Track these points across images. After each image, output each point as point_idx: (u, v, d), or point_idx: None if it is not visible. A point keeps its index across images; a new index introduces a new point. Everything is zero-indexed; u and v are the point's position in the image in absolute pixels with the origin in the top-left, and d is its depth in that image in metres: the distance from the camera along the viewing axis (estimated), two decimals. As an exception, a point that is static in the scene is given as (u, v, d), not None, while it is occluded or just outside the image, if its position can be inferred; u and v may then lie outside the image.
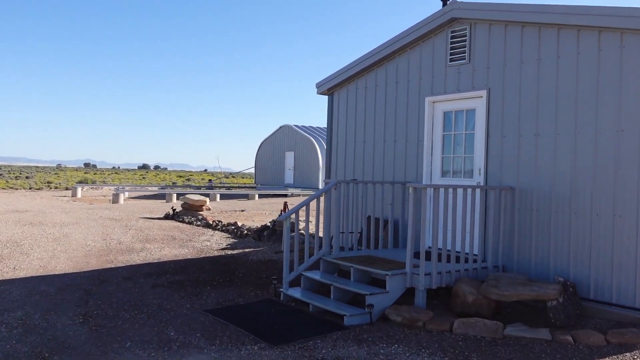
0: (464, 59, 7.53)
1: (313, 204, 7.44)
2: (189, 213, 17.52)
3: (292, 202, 26.68)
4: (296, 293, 6.74)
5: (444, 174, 7.94)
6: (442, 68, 7.85)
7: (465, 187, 6.59)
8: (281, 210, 10.20)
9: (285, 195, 31.44)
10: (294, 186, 34.73)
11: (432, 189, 6.57)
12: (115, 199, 25.10)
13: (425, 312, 5.82)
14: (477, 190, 7.02)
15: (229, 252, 10.28)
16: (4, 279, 7.84)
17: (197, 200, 17.69)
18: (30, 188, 37.01)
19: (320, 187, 33.03)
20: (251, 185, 39.72)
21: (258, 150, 39.82)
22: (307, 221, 7.14)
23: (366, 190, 8.11)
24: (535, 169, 6.69)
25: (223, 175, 52.94)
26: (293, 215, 7.19)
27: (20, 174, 59.56)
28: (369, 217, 8.25)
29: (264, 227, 11.59)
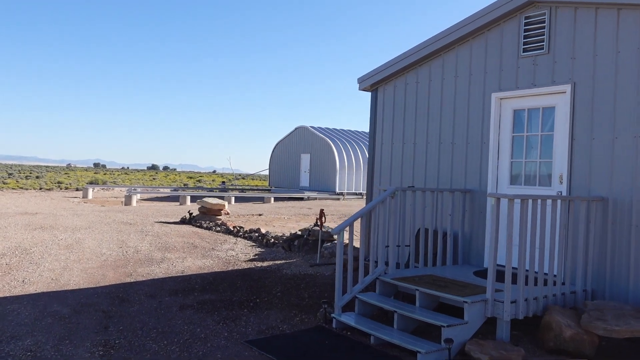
0: (542, 48, 6.51)
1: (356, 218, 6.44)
2: (207, 217, 16.60)
3: (310, 206, 25.72)
4: (350, 319, 5.75)
5: (513, 180, 6.93)
6: (513, 60, 6.84)
7: (554, 199, 5.58)
8: (316, 219, 9.21)
9: (301, 199, 30.48)
10: (310, 189, 33.78)
11: (518, 199, 5.58)
12: (127, 201, 24.24)
13: (516, 350, 4.81)
14: (559, 202, 5.99)
15: (259, 264, 9.31)
16: (12, 295, 6.91)
17: (215, 204, 16.75)
18: (40, 188, 36.26)
19: (338, 190, 32.05)
20: (265, 188, 38.84)
21: (272, 152, 38.90)
22: (364, 235, 6.17)
23: (421, 198, 7.10)
24: (634, 177, 5.66)
25: (234, 177, 52.02)
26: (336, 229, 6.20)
27: (30, 173, 59.00)
28: (418, 230, 7.27)
29: (295, 235, 10.61)
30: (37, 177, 49.45)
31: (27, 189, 34.92)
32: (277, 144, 38.46)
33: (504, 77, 6.93)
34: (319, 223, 9.31)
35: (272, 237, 11.70)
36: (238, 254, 10.26)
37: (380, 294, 6.18)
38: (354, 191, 33.14)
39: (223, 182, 38.90)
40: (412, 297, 5.79)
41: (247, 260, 9.62)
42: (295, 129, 36.58)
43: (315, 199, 30.81)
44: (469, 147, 7.33)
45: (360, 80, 8.79)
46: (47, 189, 36.08)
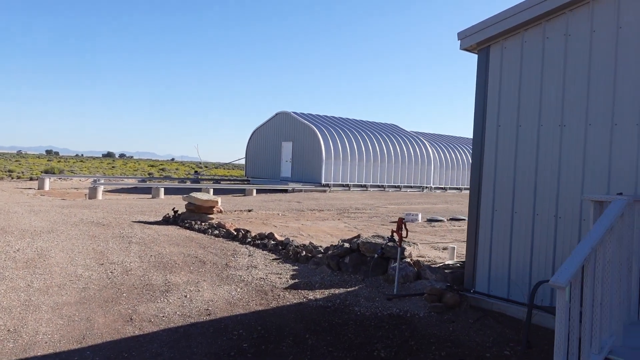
0: None
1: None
2: (196, 216, 13.69)
3: (298, 200, 22.79)
4: None
5: None
6: None
7: None
8: (392, 232, 6.58)
9: (285, 191, 27.71)
10: (292, 180, 30.99)
11: None
12: (92, 193, 21.00)
13: None
14: None
15: (309, 294, 6.59)
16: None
17: (206, 201, 13.83)
18: (-13, 177, 32.31)
19: (324, 181, 29.38)
20: (242, 179, 35.76)
21: (249, 139, 35.87)
22: (599, 276, 3.53)
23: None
24: None
25: (200, 166, 48.62)
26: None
27: (-24, 160, 54.06)
28: None
29: (340, 248, 7.87)
30: (-16, 165, 44.97)
31: (-28, 178, 30.97)
32: (254, 131, 35.43)
33: None
34: (395, 237, 6.64)
35: (301, 248, 8.96)
36: (269, 276, 7.51)
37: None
38: (340, 182, 30.54)
39: (196, 171, 35.58)
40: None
41: (289, 288, 6.88)
42: (276, 114, 33.63)
43: (301, 190, 28.07)
44: (668, 130, 4.79)
45: (463, 36, 6.15)
46: (-5, 178, 32.18)
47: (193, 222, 13.05)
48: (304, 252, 8.60)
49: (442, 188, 35.89)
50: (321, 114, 34.22)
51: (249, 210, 18.30)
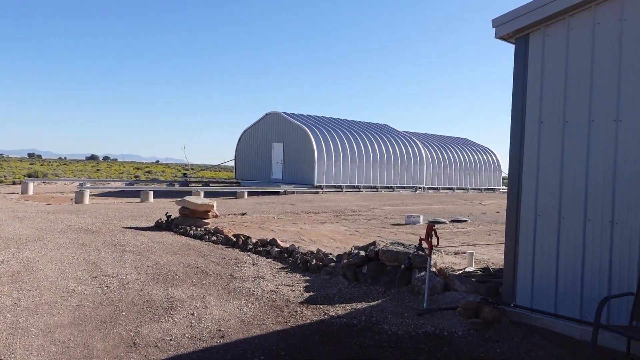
0: None
1: None
2: (190, 221, 12.99)
3: (292, 202, 22.05)
4: None
5: None
6: None
7: None
8: (420, 239, 5.96)
9: (277, 193, 27.04)
10: (284, 182, 30.31)
11: None
12: (79, 198, 20.16)
13: None
14: None
15: (329, 310, 5.96)
16: None
17: (201, 205, 13.13)
18: (-32, 182, 31.23)
19: (316, 183, 28.79)
20: (231, 181, 34.98)
21: (239, 140, 35.11)
22: None
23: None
24: None
25: (187, 169, 47.74)
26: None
27: (-44, 164, 52.65)
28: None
29: (357, 257, 7.22)
30: (-36, 169, 43.68)
31: (-48, 183, 29.90)
32: (244, 132, 34.68)
33: None
34: (424, 245, 6.03)
35: (311, 256, 8.33)
36: (280, 288, 6.86)
37: None
38: (333, 184, 29.93)
39: (185, 174, 34.70)
40: None
41: (305, 302, 6.24)
42: (266, 115, 32.92)
43: (293, 192, 27.42)
44: None
45: (499, 23, 5.57)
46: (-24, 183, 31.10)
47: (188, 228, 12.36)
48: (315, 261, 7.97)
49: (434, 188, 35.44)
50: (312, 114, 33.60)
51: (243, 214, 17.64)
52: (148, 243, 10.29)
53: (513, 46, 5.63)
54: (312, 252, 8.67)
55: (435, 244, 5.81)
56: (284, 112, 31.67)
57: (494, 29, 5.60)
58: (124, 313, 5.71)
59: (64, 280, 7.05)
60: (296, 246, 9.26)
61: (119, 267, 7.95)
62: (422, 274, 6.33)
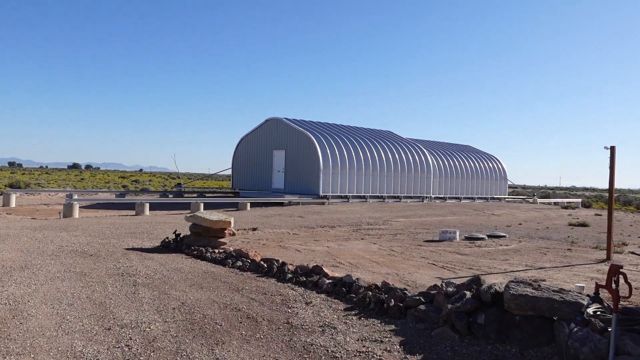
0: None
1: None
2: (204, 240, 11.07)
3: (301, 214, 19.74)
4: None
5: None
6: None
7: None
8: (598, 286, 4.12)
9: (282, 204, 25.15)
10: (286, 192, 28.40)
11: None
12: (67, 211, 18.11)
13: None
14: None
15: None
16: None
17: (217, 222, 11.18)
18: (-57, 193, 28.85)
19: (322, 193, 26.96)
20: (228, 191, 32.94)
21: (236, 148, 33.12)
22: None
23: None
24: None
25: (174, 177, 45.56)
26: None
27: None
28: None
29: (467, 302, 5.33)
30: (-60, 178, 41.11)
31: None
32: (242, 139, 32.71)
33: None
34: (603, 293, 4.20)
35: (380, 293, 6.47)
36: (369, 348, 4.96)
37: None
38: (339, 194, 28.10)
39: (179, 183, 32.58)
40: None
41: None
42: (266, 120, 31.01)
43: (298, 203, 25.55)
44: None
45: None
46: (-47, 194, 28.75)
47: (204, 250, 10.43)
48: (393, 301, 6.11)
49: (441, 198, 33.77)
50: (314, 120, 31.78)
51: (254, 229, 15.76)
52: (162, 271, 8.38)
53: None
54: (377, 286, 6.83)
55: (628, 296, 4.00)
56: (285, 118, 29.82)
57: None
58: (163, 398, 3.82)
59: (67, 334, 5.13)
60: (353, 277, 7.40)
61: (136, 310, 6.04)
62: (576, 329, 4.50)
